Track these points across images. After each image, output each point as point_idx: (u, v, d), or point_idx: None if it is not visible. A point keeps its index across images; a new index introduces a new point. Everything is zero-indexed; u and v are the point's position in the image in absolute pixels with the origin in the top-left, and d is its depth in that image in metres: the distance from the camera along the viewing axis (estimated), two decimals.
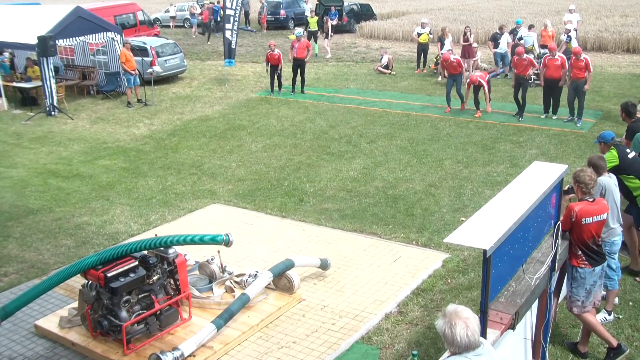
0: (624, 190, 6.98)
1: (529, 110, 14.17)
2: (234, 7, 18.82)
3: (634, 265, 7.35)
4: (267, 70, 17.85)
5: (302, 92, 17.89)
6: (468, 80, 14.62)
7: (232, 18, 18.85)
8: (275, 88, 17.83)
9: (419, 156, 12.15)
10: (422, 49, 20.40)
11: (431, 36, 20.63)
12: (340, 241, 8.51)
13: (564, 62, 13.70)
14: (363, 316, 6.67)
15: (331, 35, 24.28)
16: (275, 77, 17.65)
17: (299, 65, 17.60)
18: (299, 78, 17.87)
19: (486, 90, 14.61)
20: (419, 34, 20.22)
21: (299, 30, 17.47)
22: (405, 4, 37.94)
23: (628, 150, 7.06)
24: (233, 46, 19.21)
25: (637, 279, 7.27)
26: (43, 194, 10.84)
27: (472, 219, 4.19)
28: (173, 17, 34.86)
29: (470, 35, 19.26)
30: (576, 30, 20.20)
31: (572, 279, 5.67)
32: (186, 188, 11.00)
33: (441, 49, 19.10)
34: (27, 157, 13.16)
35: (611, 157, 6.91)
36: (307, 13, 29.46)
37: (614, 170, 6.83)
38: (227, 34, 18.87)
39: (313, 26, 24.10)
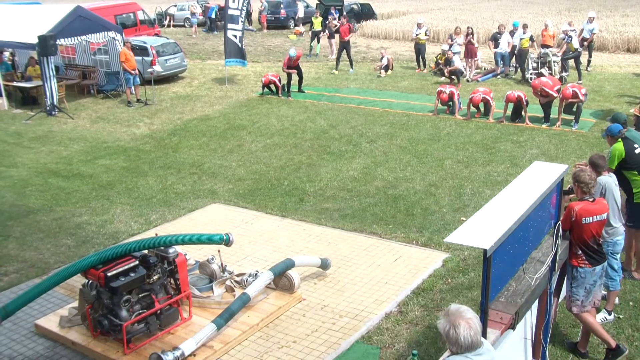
0: (625, 184, 6.97)
1: (530, 110, 14.15)
2: (239, 7, 18.70)
3: (626, 264, 7.36)
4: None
5: (301, 90, 17.92)
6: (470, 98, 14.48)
7: (239, 19, 18.75)
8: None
9: (419, 156, 12.15)
10: (418, 49, 20.49)
11: (427, 36, 20.68)
12: (341, 241, 8.51)
13: (548, 94, 13.56)
14: (363, 316, 6.68)
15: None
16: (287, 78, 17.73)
17: (294, 68, 17.63)
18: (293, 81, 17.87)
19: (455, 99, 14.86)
20: (417, 34, 20.29)
21: (293, 50, 17.50)
22: (405, 4, 37.94)
23: (636, 145, 7.01)
24: (243, 47, 19.08)
25: (636, 275, 7.27)
26: (43, 194, 10.84)
27: (472, 218, 4.19)
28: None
29: (473, 35, 19.24)
30: (591, 39, 19.28)
31: (572, 278, 5.67)
32: (186, 187, 11.01)
33: (450, 47, 19.09)
34: (28, 156, 13.16)
35: (616, 150, 6.88)
36: (300, 14, 29.83)
37: (619, 163, 6.83)
38: (230, 33, 18.80)
39: (317, 26, 24.15)
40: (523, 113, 14.09)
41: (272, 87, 18.08)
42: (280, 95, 17.80)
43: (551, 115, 13.87)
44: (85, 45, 19.16)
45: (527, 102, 13.96)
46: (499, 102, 14.55)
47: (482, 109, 14.72)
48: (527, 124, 13.88)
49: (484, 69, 20.36)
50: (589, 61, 19.41)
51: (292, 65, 17.40)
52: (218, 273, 7.18)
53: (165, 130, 14.89)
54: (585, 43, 19.07)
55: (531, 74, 17.54)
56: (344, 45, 20.84)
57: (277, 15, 32.09)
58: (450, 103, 15.06)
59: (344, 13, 29.04)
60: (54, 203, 10.38)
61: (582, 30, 19.08)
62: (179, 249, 6.55)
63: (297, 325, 6.55)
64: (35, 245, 8.73)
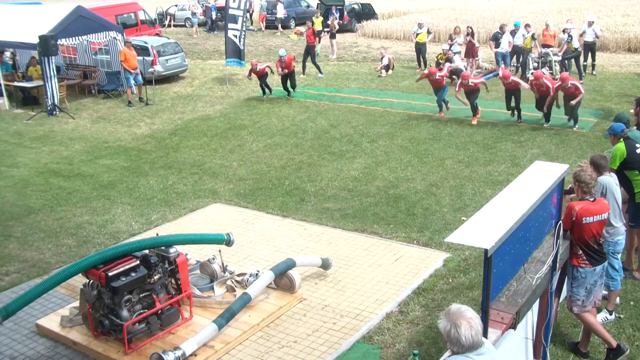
0: (626, 184, 6.97)
1: (531, 110, 14.15)
2: (241, 7, 18.69)
3: (627, 264, 7.36)
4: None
5: (294, 90, 17.75)
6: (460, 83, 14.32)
7: (240, 19, 18.74)
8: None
9: (420, 155, 12.15)
10: (419, 49, 20.48)
11: (430, 36, 20.70)
12: (341, 241, 8.51)
13: (548, 89, 13.37)
14: (364, 316, 6.68)
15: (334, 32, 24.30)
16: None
17: (289, 74, 17.48)
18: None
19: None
20: (417, 34, 20.29)
21: (283, 50, 17.45)
22: (406, 4, 37.86)
23: (637, 145, 7.01)
24: (242, 47, 19.07)
25: (637, 275, 7.27)
26: (44, 194, 10.85)
27: (473, 218, 4.19)
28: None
29: (473, 35, 19.23)
30: (594, 43, 18.46)
31: (573, 278, 5.67)
32: (187, 187, 11.01)
33: (450, 47, 19.07)
34: (29, 156, 13.17)
35: (618, 150, 6.88)
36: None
37: (621, 163, 6.83)
38: (230, 33, 18.80)
39: (318, 26, 24.14)
40: (516, 111, 14.13)
41: (264, 86, 17.71)
42: (271, 93, 17.68)
43: (552, 115, 13.86)
44: (86, 45, 19.17)
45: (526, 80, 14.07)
46: (500, 101, 14.53)
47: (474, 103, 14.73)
48: (519, 121, 13.91)
49: (485, 68, 20.35)
50: (593, 65, 18.86)
51: (285, 67, 17.27)
52: (219, 273, 7.18)
53: (166, 130, 14.90)
54: (598, 45, 18.45)
55: (531, 73, 17.51)
56: (308, 50, 20.24)
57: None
58: (454, 77, 14.93)
59: (345, 13, 29.11)
60: (55, 203, 10.39)
61: (582, 33, 18.51)
62: (180, 248, 6.55)
63: (298, 325, 6.55)
64: (36, 245, 8.74)
